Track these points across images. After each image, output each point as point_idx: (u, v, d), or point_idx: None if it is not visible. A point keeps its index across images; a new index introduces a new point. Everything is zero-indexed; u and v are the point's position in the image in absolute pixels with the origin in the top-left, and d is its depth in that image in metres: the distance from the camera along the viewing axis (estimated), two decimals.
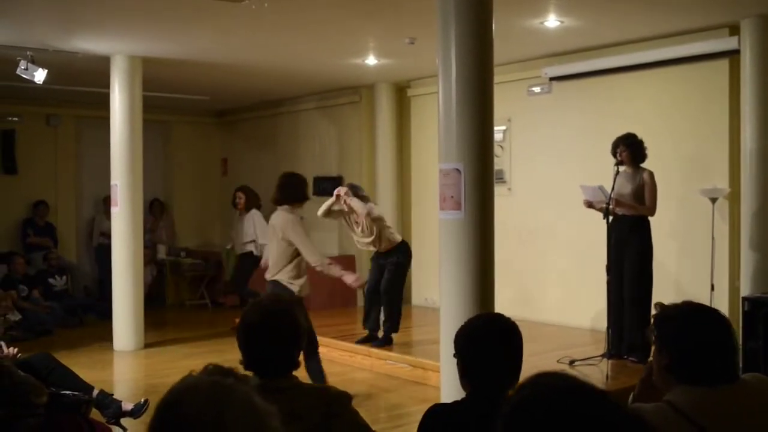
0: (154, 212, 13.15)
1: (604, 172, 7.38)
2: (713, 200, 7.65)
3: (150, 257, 12.14)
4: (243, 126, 14.02)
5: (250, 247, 10.24)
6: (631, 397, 2.81)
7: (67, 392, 4.29)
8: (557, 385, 1.41)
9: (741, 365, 6.69)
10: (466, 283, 5.14)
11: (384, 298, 8.16)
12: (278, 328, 2.70)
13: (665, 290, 7.71)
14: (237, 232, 10.66)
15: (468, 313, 4.71)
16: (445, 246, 5.31)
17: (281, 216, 6.33)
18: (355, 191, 8.08)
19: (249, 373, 2.72)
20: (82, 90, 10.80)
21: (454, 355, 2.77)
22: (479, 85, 5.18)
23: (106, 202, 10.97)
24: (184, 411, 1.46)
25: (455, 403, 2.76)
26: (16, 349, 4.58)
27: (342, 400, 2.71)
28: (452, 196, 5.15)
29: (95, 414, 5.04)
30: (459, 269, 5.16)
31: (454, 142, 5.17)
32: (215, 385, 1.54)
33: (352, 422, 2.71)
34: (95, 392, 5.27)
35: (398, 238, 8.31)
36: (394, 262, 8.16)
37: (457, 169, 5.12)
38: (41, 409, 3.91)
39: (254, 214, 10.22)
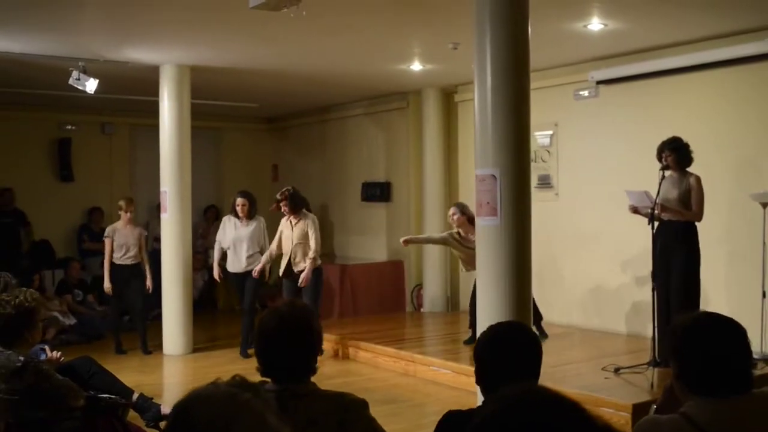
0: (208, 218, 13.34)
1: (651, 177, 7.26)
2: (764, 205, 7.47)
3: (202, 263, 12.32)
4: (292, 132, 14.15)
5: None
6: (653, 407, 2.77)
7: (105, 396, 4.38)
8: (529, 397, 1.40)
9: None
10: (502, 289, 5.11)
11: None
12: (295, 334, 2.72)
13: (715, 297, 7.57)
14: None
15: (504, 319, 4.68)
16: (482, 252, 5.29)
17: None
18: (463, 210, 8.43)
19: (267, 380, 2.75)
20: (134, 99, 11.03)
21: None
22: (515, 90, 5.14)
23: (159, 208, 11.16)
24: (194, 416, 1.51)
25: (471, 409, 2.75)
26: (59, 353, 4.69)
27: (358, 406, 2.72)
28: (488, 202, 5.13)
29: (135, 418, 5.14)
30: (496, 275, 5.14)
31: (489, 148, 5.14)
32: (231, 396, 1.56)
33: (368, 428, 2.72)
34: (135, 396, 5.37)
35: None
36: None
37: (493, 175, 5.10)
38: (78, 412, 4.01)
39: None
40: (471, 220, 7.65)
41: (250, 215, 9.02)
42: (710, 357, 2.27)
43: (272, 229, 9.13)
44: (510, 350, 2.75)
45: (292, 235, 8.65)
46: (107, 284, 9.18)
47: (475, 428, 1.38)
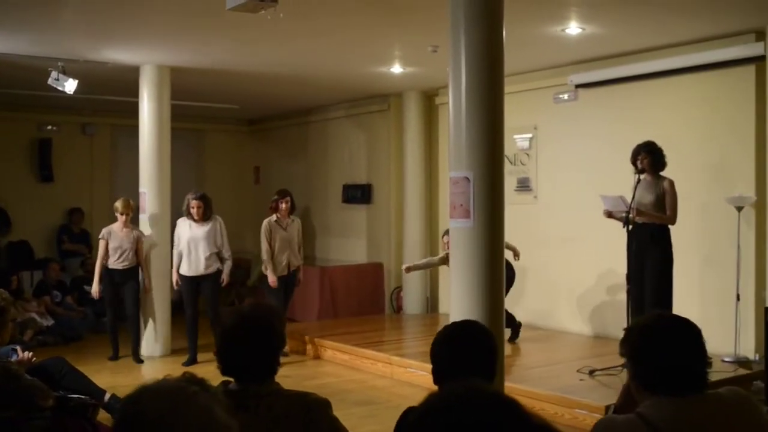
0: None
1: (630, 180, 7.31)
2: (739, 208, 7.54)
3: None
4: (274, 134, 14.15)
5: None
6: (611, 408, 2.80)
7: (75, 396, 4.38)
8: (466, 394, 1.42)
9: (766, 377, 6.60)
10: (475, 291, 5.13)
11: None
12: (256, 334, 2.73)
13: (689, 300, 7.62)
14: None
15: (478, 321, 4.70)
16: (454, 254, 5.31)
17: None
18: None
19: (230, 380, 2.77)
20: (115, 99, 11.01)
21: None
22: (490, 93, 5.16)
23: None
24: (142, 409, 1.55)
25: None
26: (31, 354, 4.69)
27: (321, 406, 2.74)
28: (461, 205, 5.15)
29: (107, 419, 5.13)
30: (468, 277, 5.16)
31: (463, 151, 5.16)
32: (179, 390, 1.60)
33: (331, 428, 2.73)
34: (107, 396, 5.36)
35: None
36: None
37: (467, 178, 5.12)
38: (47, 411, 4.00)
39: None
40: None
41: (205, 217, 8.71)
42: (665, 357, 2.30)
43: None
44: (464, 349, 2.78)
45: (288, 236, 9.04)
46: (95, 288, 8.89)
47: (412, 425, 1.40)
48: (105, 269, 8.83)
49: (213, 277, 8.76)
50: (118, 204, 8.88)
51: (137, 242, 8.94)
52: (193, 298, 8.82)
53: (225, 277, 8.85)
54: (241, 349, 2.70)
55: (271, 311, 2.87)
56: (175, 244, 8.87)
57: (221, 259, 8.84)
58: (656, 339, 2.35)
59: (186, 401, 1.57)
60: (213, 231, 8.75)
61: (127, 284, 8.88)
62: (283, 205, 9.06)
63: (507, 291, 6.55)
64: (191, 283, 8.77)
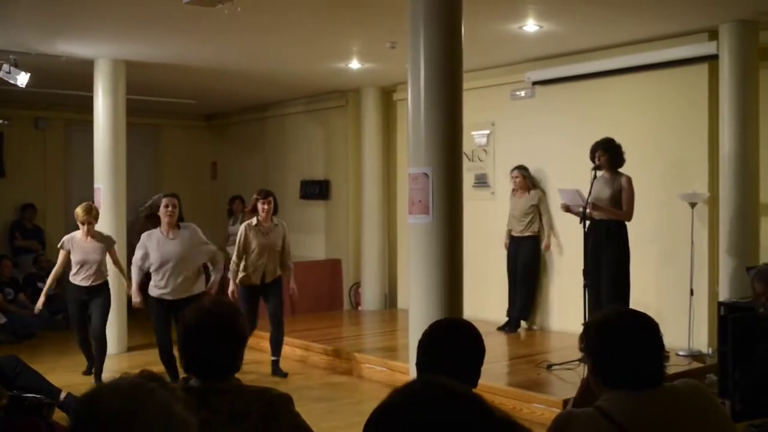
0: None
1: (586, 176, 7.39)
2: (692, 205, 7.66)
3: None
4: (232, 130, 14.05)
5: None
6: (570, 401, 2.83)
7: (29, 395, 4.31)
8: (428, 389, 1.42)
9: (719, 370, 6.72)
10: (434, 287, 5.16)
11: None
12: (218, 330, 2.71)
13: (645, 295, 7.73)
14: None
15: (436, 316, 4.72)
16: (414, 250, 5.32)
17: None
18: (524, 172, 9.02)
19: (190, 377, 2.74)
20: (68, 93, 10.84)
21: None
22: (448, 89, 5.19)
23: None
24: (99, 406, 1.53)
25: None
26: None
27: (282, 401, 2.72)
28: (420, 200, 5.17)
29: (62, 418, 5.05)
30: (427, 273, 5.18)
31: (422, 147, 5.18)
32: (135, 386, 1.59)
33: (293, 423, 2.71)
34: (62, 395, 5.28)
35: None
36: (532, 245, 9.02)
37: (426, 174, 5.13)
38: (0, 411, 3.93)
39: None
40: None
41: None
42: (623, 351, 2.33)
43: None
44: (451, 347, 2.76)
45: (269, 243, 7.84)
46: (40, 303, 7.58)
47: (374, 419, 1.40)
48: (67, 283, 7.66)
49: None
50: (79, 211, 7.50)
51: (104, 253, 7.63)
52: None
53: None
54: (204, 345, 2.68)
55: (233, 307, 2.84)
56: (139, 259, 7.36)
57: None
58: (615, 334, 2.37)
59: (144, 398, 1.56)
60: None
61: (94, 301, 7.54)
62: (265, 206, 7.76)
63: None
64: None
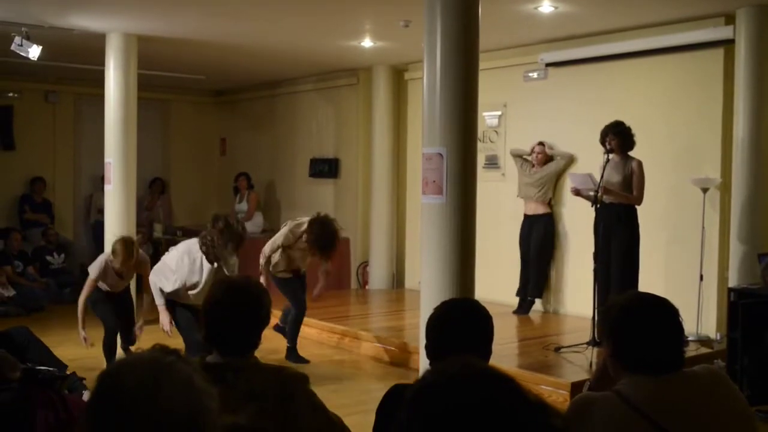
0: (154, 191, 13.18)
1: (598, 159, 7.37)
2: (704, 190, 7.63)
3: (146, 236, 12.16)
4: (241, 106, 14.02)
5: None
6: (586, 384, 2.83)
7: (42, 368, 4.33)
8: (465, 370, 1.42)
9: (728, 356, 6.72)
10: (447, 267, 5.15)
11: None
12: (242, 307, 2.72)
13: (654, 280, 7.71)
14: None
15: (448, 297, 4.72)
16: (426, 230, 5.32)
17: None
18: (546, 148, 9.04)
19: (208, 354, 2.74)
20: (79, 67, 10.82)
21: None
22: (464, 70, 5.16)
23: (103, 180, 10.97)
24: (121, 382, 1.53)
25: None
26: None
27: (298, 380, 2.73)
28: (434, 181, 5.15)
29: None
30: (440, 253, 5.18)
31: (437, 127, 5.16)
32: (155, 361, 1.59)
33: (308, 403, 2.72)
34: (68, 373, 5.29)
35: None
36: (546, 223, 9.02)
37: (440, 154, 5.12)
38: (14, 383, 3.95)
39: None
40: None
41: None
42: (643, 336, 2.33)
43: None
44: (459, 327, 2.77)
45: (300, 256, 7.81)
46: (81, 334, 6.84)
47: (411, 400, 1.40)
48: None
49: None
50: (118, 248, 6.71)
51: (138, 269, 7.17)
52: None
53: None
54: (227, 321, 2.69)
55: (258, 285, 2.86)
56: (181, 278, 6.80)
57: None
58: (635, 318, 2.37)
59: (165, 371, 1.55)
60: None
61: (119, 300, 7.18)
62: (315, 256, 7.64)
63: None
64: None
